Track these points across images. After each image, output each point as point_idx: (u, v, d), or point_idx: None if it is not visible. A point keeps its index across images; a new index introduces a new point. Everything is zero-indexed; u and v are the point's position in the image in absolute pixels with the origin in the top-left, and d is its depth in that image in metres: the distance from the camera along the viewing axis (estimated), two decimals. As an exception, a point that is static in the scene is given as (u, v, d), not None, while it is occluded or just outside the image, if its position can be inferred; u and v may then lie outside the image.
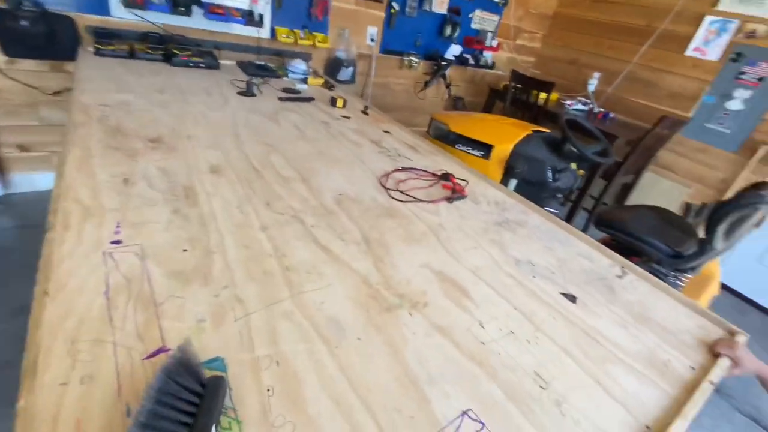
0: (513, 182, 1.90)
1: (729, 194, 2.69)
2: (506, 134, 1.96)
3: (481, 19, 3.32)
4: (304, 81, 2.09)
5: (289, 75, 2.13)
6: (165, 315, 0.56)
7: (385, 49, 2.93)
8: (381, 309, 0.67)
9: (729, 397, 1.86)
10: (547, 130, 2.04)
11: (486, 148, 1.94)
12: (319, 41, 2.45)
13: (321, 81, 2.14)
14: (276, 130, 1.36)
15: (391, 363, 0.58)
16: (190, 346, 0.48)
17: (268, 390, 0.49)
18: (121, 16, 1.89)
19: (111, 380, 0.46)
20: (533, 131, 1.97)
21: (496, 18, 3.41)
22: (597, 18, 3.40)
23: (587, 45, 3.50)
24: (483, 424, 0.52)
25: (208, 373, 0.48)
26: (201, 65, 1.88)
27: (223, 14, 2.02)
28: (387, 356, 0.58)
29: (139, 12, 1.88)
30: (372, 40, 2.78)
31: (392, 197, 1.06)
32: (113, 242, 0.67)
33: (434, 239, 0.92)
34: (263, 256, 0.72)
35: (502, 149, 1.90)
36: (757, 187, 1.43)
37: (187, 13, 1.93)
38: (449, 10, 3.04)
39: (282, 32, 2.31)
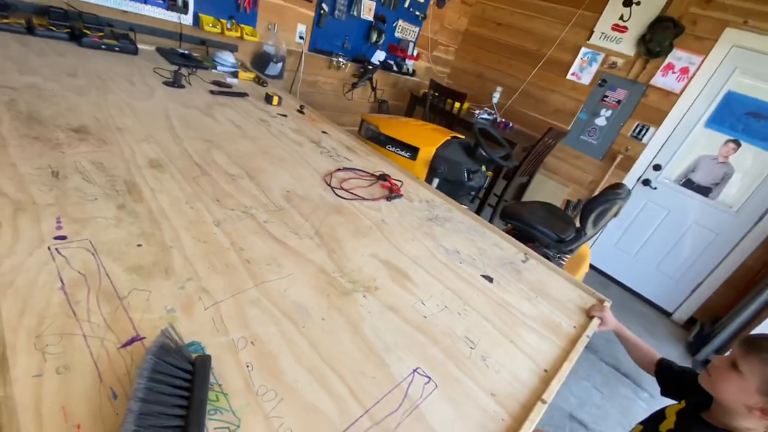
0: (436, 181, 2.08)
1: (596, 193, 3.30)
2: (430, 138, 2.14)
3: (403, 29, 3.48)
4: (234, 75, 2.00)
5: (218, 68, 2.01)
6: (132, 307, 0.56)
7: (314, 48, 2.94)
8: (339, 293, 0.74)
9: (596, 352, 2.31)
10: (463, 137, 2.27)
11: (413, 150, 2.11)
12: (247, 34, 2.34)
13: (252, 75, 2.07)
14: (213, 126, 1.31)
15: (353, 337, 0.66)
16: (173, 329, 0.50)
17: (248, 366, 0.54)
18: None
19: (89, 369, 0.46)
20: (452, 137, 2.18)
21: (416, 29, 3.60)
22: (499, 39, 3.78)
23: (492, 62, 3.86)
24: (429, 378, 0.64)
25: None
26: (116, 48, 1.69)
27: (144, -4, 1.90)
28: (349, 332, 0.66)
29: (38, -19, 1.68)
30: (301, 37, 2.79)
31: (338, 195, 1.13)
32: (57, 237, 0.63)
33: (379, 233, 1.01)
34: (222, 250, 0.74)
35: (427, 151, 2.09)
36: (614, 186, 1.82)
37: (106, -9, 1.80)
38: (375, 17, 3.15)
39: (207, 21, 2.16)
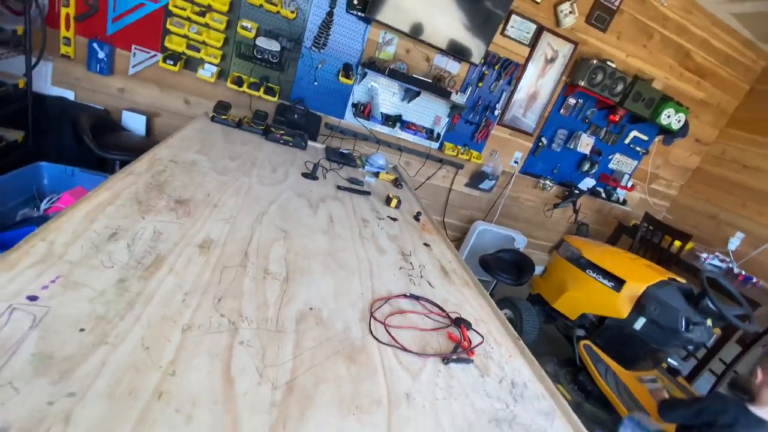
0: (642, 320, 1.82)
1: None
2: (642, 274, 1.90)
3: (619, 162, 3.45)
4: (376, 175, 2.01)
5: (366, 167, 2.07)
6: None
7: (525, 171, 3.28)
8: None
9: None
10: (684, 281, 1.92)
11: (618, 282, 1.91)
12: (474, 157, 2.99)
13: (392, 177, 2.04)
14: (306, 219, 1.22)
15: None
16: None
17: None
18: (348, 120, 2.67)
19: None
20: (669, 278, 1.88)
21: (634, 163, 3.49)
22: (745, 182, 3.25)
23: (731, 204, 3.33)
24: None
25: None
26: (290, 144, 1.95)
27: (415, 130, 2.79)
28: None
29: (361, 120, 2.62)
30: (515, 162, 3.22)
31: (371, 332, 0.82)
32: (29, 297, 0.62)
33: (382, 417, 0.63)
34: (151, 367, 0.57)
35: (635, 287, 1.85)
36: None
37: (393, 126, 2.71)
38: (591, 151, 3.24)
39: (448, 147, 2.93)
